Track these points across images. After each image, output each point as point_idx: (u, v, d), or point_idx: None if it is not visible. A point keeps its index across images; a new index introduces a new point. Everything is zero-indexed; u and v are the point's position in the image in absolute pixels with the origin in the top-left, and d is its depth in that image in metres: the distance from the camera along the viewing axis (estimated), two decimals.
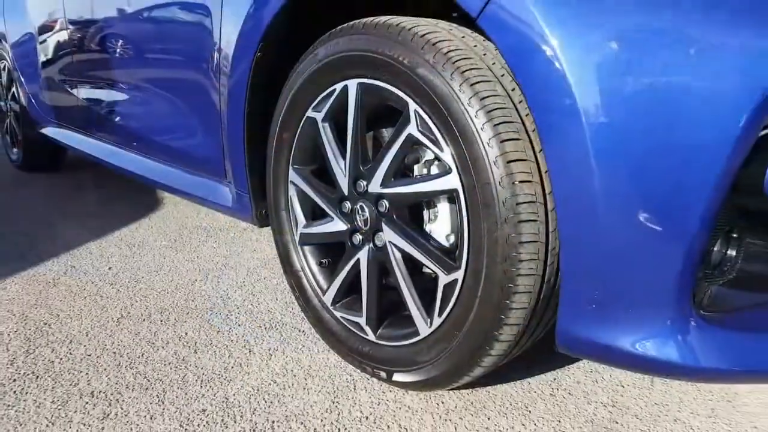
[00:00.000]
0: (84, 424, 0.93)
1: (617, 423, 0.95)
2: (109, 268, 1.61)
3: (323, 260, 1.16)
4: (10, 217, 2.10)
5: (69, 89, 2.18)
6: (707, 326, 0.72)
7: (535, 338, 0.89)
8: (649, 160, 0.66)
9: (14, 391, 1.02)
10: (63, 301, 1.39)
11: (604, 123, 0.67)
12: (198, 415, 0.95)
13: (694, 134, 0.64)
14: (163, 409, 0.97)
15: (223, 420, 0.94)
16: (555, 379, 1.07)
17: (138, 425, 0.93)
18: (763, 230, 0.75)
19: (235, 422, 0.94)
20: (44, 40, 2.29)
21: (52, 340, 1.20)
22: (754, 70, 0.62)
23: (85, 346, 1.18)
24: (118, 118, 1.87)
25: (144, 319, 1.30)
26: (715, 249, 0.73)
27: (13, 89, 2.78)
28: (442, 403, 0.99)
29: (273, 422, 0.94)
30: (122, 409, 0.97)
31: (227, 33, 1.20)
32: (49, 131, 2.46)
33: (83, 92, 2.07)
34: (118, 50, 1.75)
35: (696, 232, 0.65)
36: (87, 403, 0.98)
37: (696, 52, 0.63)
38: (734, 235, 0.74)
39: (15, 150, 2.95)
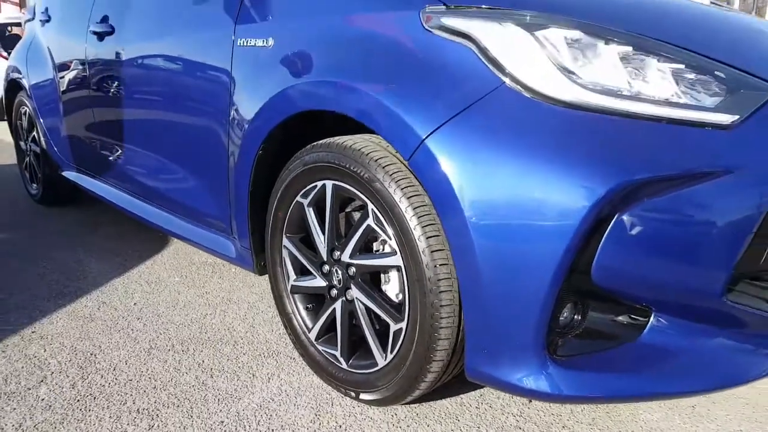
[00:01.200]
0: None
1: (520, 429, 1.31)
2: (134, 303, 1.96)
3: (309, 305, 1.52)
4: (42, 255, 2.44)
5: (89, 139, 2.51)
6: (562, 367, 1.08)
7: (458, 369, 1.25)
8: (506, 261, 1.02)
9: (80, 409, 1.37)
10: (102, 335, 1.74)
11: (482, 234, 1.03)
12: (218, 426, 1.31)
13: (535, 246, 1.00)
14: (192, 421, 1.32)
15: (236, 429, 1.30)
16: (481, 395, 1.43)
17: None
18: (601, 302, 1.11)
19: (245, 431, 1.29)
20: (66, 90, 2.62)
21: (100, 368, 1.56)
22: (576, 198, 0.99)
23: (126, 372, 1.53)
24: (135, 171, 2.21)
25: (169, 349, 1.65)
26: (565, 314, 1.10)
27: (34, 133, 3.11)
28: (395, 414, 1.35)
29: (272, 430, 1.30)
30: (162, 422, 1.32)
31: (235, 132, 1.56)
32: (70, 175, 2.80)
33: (103, 143, 2.40)
34: (138, 106, 2.07)
35: (541, 307, 1.02)
36: (135, 417, 1.34)
37: (540, 192, 1.00)
38: (579, 305, 1.10)
39: (34, 185, 3.29)
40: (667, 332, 1.11)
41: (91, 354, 1.63)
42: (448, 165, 1.06)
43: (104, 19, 2.19)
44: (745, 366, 1.17)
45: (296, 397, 1.42)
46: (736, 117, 1.03)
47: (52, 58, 2.72)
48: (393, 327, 1.25)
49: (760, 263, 1.09)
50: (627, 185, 0.98)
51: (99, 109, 2.33)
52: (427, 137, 1.08)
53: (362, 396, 1.35)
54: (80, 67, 2.41)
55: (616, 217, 1.00)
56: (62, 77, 2.62)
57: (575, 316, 1.11)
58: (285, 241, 1.50)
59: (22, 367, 1.56)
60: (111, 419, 1.33)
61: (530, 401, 1.39)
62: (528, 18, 1.07)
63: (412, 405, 1.39)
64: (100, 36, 2.21)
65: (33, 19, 3.11)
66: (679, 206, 1.01)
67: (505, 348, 1.08)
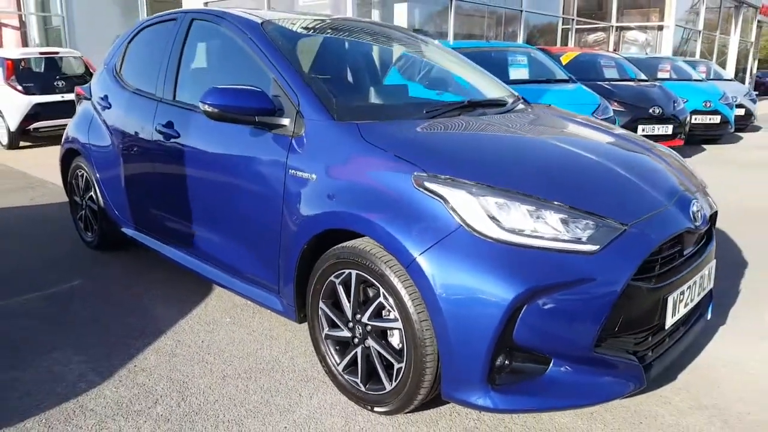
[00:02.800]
0: None
1: (477, 428, 2.05)
2: (202, 341, 2.67)
3: (337, 347, 2.24)
4: (114, 300, 3.13)
5: (151, 208, 3.19)
6: (498, 392, 1.82)
7: (437, 392, 1.97)
8: (462, 329, 1.76)
9: (190, 421, 2.08)
10: (186, 367, 2.45)
11: (447, 311, 1.77)
12: (284, 429, 2.03)
13: (479, 320, 1.74)
14: (266, 427, 2.04)
15: (282, 431, 2.02)
16: (453, 406, 2.17)
17: None
18: (521, 353, 1.85)
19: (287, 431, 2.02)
20: (130, 166, 3.26)
21: (193, 392, 2.27)
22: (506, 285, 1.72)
23: (212, 395, 2.24)
24: (195, 239, 2.89)
25: (237, 377, 2.37)
26: (499, 360, 1.83)
27: (91, 193, 3.78)
28: (397, 419, 2.08)
29: (309, 431, 2.02)
30: (247, 428, 2.04)
31: (285, 230, 2.28)
32: (129, 231, 3.48)
33: (165, 214, 3.08)
34: (201, 194, 2.73)
35: (484, 356, 1.76)
36: (228, 426, 2.05)
37: (481, 292, 1.74)
38: (508, 355, 1.84)
39: (89, 234, 3.96)
40: (561, 370, 1.85)
41: (183, 382, 2.34)
42: (429, 271, 1.80)
43: (169, 125, 2.89)
44: (616, 388, 1.92)
45: (331, 410, 2.15)
46: (597, 247, 1.79)
47: (114, 139, 3.39)
48: (396, 365, 1.99)
49: (615, 329, 1.85)
50: (530, 289, 1.72)
51: (163, 189, 3.01)
52: (417, 256, 1.82)
53: (376, 409, 2.08)
54: (146, 153, 3.09)
55: (525, 306, 1.74)
56: (126, 156, 3.29)
57: (505, 361, 1.84)
58: (321, 305, 2.22)
59: (139, 392, 2.26)
60: (213, 428, 2.05)
61: (481, 412, 2.14)
62: (474, 189, 1.82)
63: (407, 414, 2.11)
64: (166, 136, 2.91)
65: (89, 99, 3.79)
66: (562, 299, 1.75)
67: (464, 380, 1.82)
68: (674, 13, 14.89)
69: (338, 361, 2.22)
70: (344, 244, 2.09)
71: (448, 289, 1.78)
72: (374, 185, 2.00)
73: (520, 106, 2.90)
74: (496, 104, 2.80)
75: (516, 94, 3.08)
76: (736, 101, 10.24)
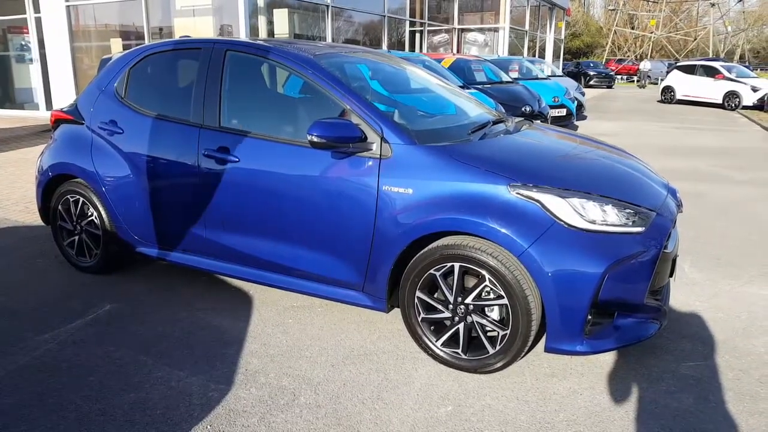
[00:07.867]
0: (358, 412, 2.45)
1: (553, 373, 2.73)
2: (285, 341, 3.00)
3: (432, 327, 2.77)
4: (162, 319, 3.27)
5: (198, 226, 3.27)
6: (588, 340, 2.51)
7: (531, 347, 2.61)
8: (565, 295, 2.42)
9: (337, 402, 2.47)
10: (292, 362, 2.78)
11: (555, 283, 2.41)
12: (415, 394, 2.52)
13: (579, 289, 2.41)
14: (401, 397, 2.51)
15: (425, 395, 2.52)
16: (527, 361, 2.82)
17: (377, 410, 2.48)
18: (599, 309, 2.55)
19: (429, 395, 2.52)
20: (163, 182, 3.33)
21: (319, 381, 2.63)
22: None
23: (337, 381, 2.64)
24: (259, 250, 3.11)
25: (343, 364, 2.77)
26: (588, 317, 2.52)
27: (92, 218, 3.77)
28: (494, 376, 2.68)
29: (444, 393, 2.54)
30: (385, 400, 2.49)
31: (379, 238, 2.74)
32: (151, 252, 3.57)
33: (218, 229, 3.20)
34: (277, 211, 2.96)
35: (583, 314, 2.43)
36: (372, 401, 2.49)
37: (578, 268, 2.41)
38: (594, 312, 2.53)
39: (86, 259, 3.89)
40: (621, 319, 2.59)
41: (302, 375, 2.70)
42: (539, 257, 2.43)
43: (223, 150, 3.12)
44: (652, 326, 2.68)
45: (440, 376, 2.68)
46: (643, 228, 2.55)
47: (135, 163, 3.45)
48: (500, 333, 2.58)
49: (655, 286, 2.63)
50: (612, 263, 2.43)
51: (216, 209, 3.16)
52: (528, 247, 2.43)
53: (479, 370, 2.66)
54: (190, 176, 3.22)
55: (607, 275, 2.44)
56: (157, 179, 3.37)
57: (590, 317, 2.54)
58: (418, 293, 2.73)
59: (272, 390, 2.58)
60: (361, 404, 2.47)
61: (571, 357, 2.81)
62: (560, 192, 2.47)
63: (488, 375, 2.72)
64: (219, 161, 3.13)
65: (82, 123, 3.75)
66: (627, 267, 2.49)
67: (566, 334, 2.49)
68: (508, 16, 16.91)
69: (435, 339, 2.75)
70: (446, 243, 2.62)
71: (554, 269, 2.42)
72: (475, 194, 2.57)
73: (517, 120, 3.62)
74: (501, 120, 3.48)
75: (496, 111, 3.78)
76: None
